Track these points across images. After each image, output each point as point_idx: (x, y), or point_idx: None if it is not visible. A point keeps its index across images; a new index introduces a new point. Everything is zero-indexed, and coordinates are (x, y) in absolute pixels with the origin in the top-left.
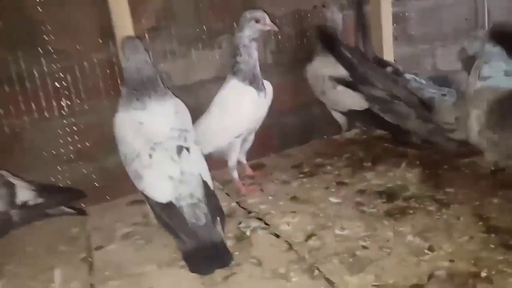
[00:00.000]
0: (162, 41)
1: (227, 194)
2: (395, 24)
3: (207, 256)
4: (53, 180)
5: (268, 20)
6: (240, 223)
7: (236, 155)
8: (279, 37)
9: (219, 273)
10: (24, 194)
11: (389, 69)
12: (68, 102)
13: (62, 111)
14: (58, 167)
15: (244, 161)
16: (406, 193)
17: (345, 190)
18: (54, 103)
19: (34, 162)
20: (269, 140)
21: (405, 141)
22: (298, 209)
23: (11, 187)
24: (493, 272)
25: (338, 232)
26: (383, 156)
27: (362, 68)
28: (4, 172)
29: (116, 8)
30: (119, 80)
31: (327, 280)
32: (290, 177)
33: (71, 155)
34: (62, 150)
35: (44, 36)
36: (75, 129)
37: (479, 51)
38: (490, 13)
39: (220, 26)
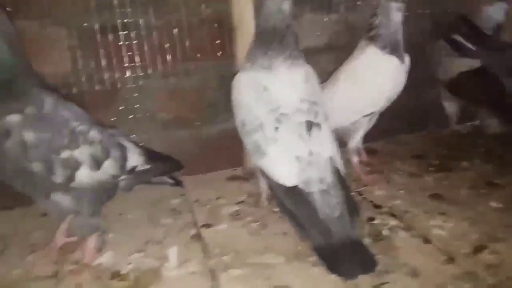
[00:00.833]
0: None
1: None
2: None
3: (345, 256)
4: (146, 144)
5: None
6: (372, 219)
7: (361, 137)
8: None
9: (364, 280)
10: (134, 159)
11: None
12: (171, 60)
13: (164, 70)
14: (153, 130)
15: (360, 144)
16: None
17: (502, 193)
18: (158, 60)
19: (129, 122)
20: (378, 123)
21: None
22: (447, 211)
23: (123, 150)
24: None
25: None
26: None
27: None
28: (115, 132)
29: None
30: (226, 41)
31: None
32: (418, 170)
33: (168, 119)
34: (159, 113)
35: None
36: (175, 91)
37: None
38: None
39: None
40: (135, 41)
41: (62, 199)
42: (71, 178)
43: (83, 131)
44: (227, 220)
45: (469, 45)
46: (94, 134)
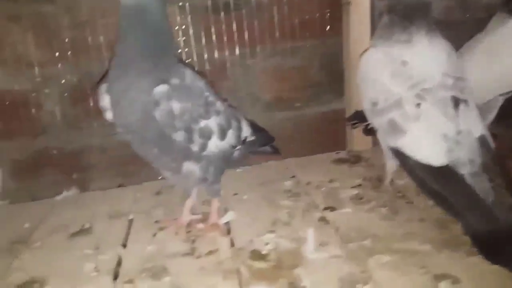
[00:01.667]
0: None
1: None
2: None
3: (508, 244)
4: None
5: None
6: None
7: (493, 117)
8: None
9: None
10: (246, 129)
11: None
12: (279, 38)
13: (271, 49)
14: (256, 111)
15: None
16: None
17: None
18: (266, 39)
19: (232, 102)
20: None
21: None
22: None
23: (239, 120)
24: None
25: None
26: None
27: None
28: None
29: None
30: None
31: None
32: None
33: (270, 100)
34: (262, 93)
35: None
36: (279, 71)
37: None
38: None
39: None
40: (246, 20)
41: (193, 168)
42: (204, 147)
43: (212, 102)
44: (350, 204)
45: None
46: (219, 105)
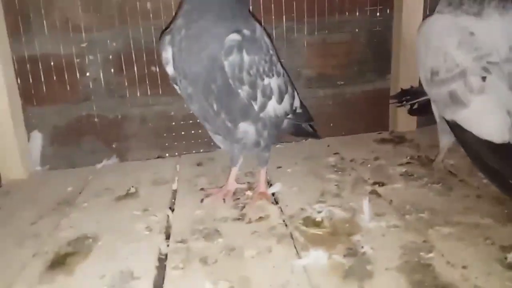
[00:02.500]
0: None
1: None
2: None
3: None
4: None
5: None
6: None
7: None
8: None
9: None
10: (297, 99)
11: None
12: (327, 11)
13: (318, 23)
14: (297, 87)
15: None
16: None
17: None
18: (308, 11)
19: None
20: None
21: None
22: None
23: (293, 87)
24: None
25: None
26: None
27: None
28: None
29: None
30: None
31: None
32: None
33: (312, 76)
34: (304, 69)
35: None
36: (323, 46)
37: None
38: None
39: None
40: None
41: (249, 129)
42: (263, 107)
43: (275, 62)
44: (401, 180)
45: None
46: (279, 66)
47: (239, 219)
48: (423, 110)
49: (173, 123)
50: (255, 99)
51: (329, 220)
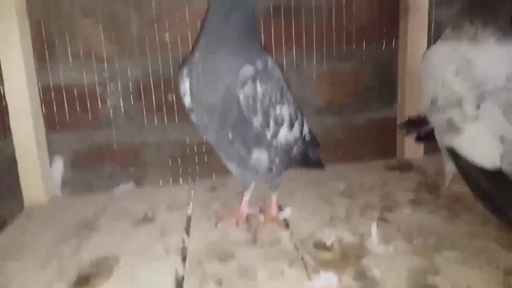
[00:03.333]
0: None
1: None
2: None
3: None
4: None
5: None
6: None
7: None
8: None
9: None
10: (306, 126)
11: None
12: (335, 42)
13: (327, 52)
14: (307, 114)
15: None
16: None
17: None
18: (323, 42)
19: None
20: None
21: None
22: None
23: (302, 115)
24: None
25: None
26: None
27: None
28: None
29: None
30: (390, 24)
31: None
32: None
33: (322, 104)
34: (314, 97)
35: None
36: (332, 75)
37: None
38: None
39: None
40: (304, 23)
41: (262, 156)
42: (275, 134)
43: (285, 90)
44: (409, 206)
45: None
46: (289, 95)
47: (252, 242)
48: (429, 138)
49: (188, 150)
50: (268, 127)
51: (338, 244)
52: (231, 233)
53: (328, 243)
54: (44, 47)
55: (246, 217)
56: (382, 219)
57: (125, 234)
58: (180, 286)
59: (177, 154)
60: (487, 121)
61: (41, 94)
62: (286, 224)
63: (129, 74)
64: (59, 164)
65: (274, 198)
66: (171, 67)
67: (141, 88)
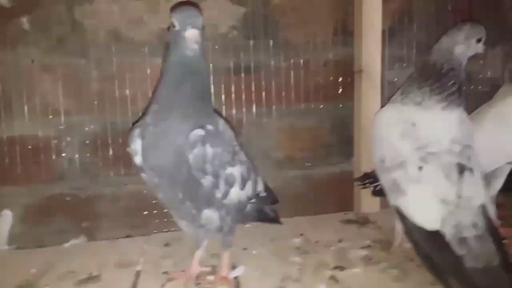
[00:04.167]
0: (395, 45)
1: None
2: None
3: None
4: None
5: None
6: None
7: (499, 187)
8: None
9: None
10: (260, 184)
11: None
12: (294, 99)
13: (286, 109)
14: (267, 168)
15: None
16: None
17: None
18: (282, 100)
19: None
20: None
21: None
22: None
23: (256, 173)
24: None
25: None
26: None
27: None
28: None
29: (367, 3)
30: (346, 83)
31: None
32: None
33: (281, 158)
34: (274, 151)
35: (280, 25)
36: (291, 130)
37: None
38: None
39: None
40: (264, 81)
41: (213, 216)
42: (226, 194)
43: (238, 151)
44: (360, 264)
45: None
46: (242, 155)
47: None
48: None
49: (145, 202)
50: (217, 187)
51: None
52: None
53: None
54: (0, 105)
55: (196, 276)
56: (333, 279)
57: None
58: None
59: (133, 207)
60: (428, 183)
61: None
62: (237, 284)
63: (86, 128)
64: (7, 218)
65: (225, 256)
66: (131, 120)
67: (98, 141)
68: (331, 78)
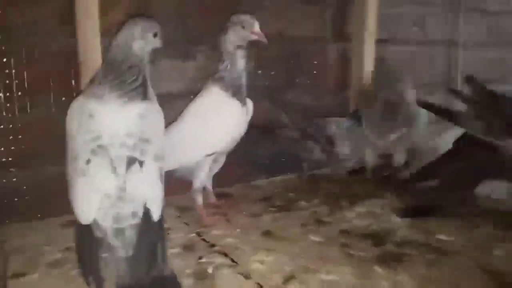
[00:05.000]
0: None
1: (185, 223)
2: None
3: None
4: None
5: (257, 29)
6: (200, 258)
7: (204, 177)
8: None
9: None
10: None
11: None
12: (7, 93)
13: (5, 103)
14: None
15: (210, 187)
16: (395, 238)
17: (326, 229)
18: None
19: None
20: (234, 168)
21: None
22: (273, 247)
23: None
24: None
25: (324, 277)
26: (361, 196)
27: None
28: None
29: None
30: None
31: None
32: (261, 210)
33: (2, 158)
34: None
35: None
36: (12, 126)
37: None
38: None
39: (199, 35)
40: None
41: None
42: None
43: None
44: (43, 268)
45: None
46: None
47: None
48: None
49: None
50: None
51: None
52: None
53: None
54: None
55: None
56: None
57: None
58: None
59: None
60: (93, 176)
61: None
62: None
63: None
64: None
65: None
66: None
67: None
68: (58, 70)
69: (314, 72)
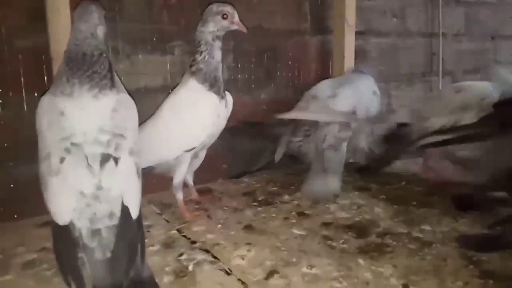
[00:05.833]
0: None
1: (166, 220)
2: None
3: None
4: None
5: (237, 18)
6: (181, 255)
7: (184, 173)
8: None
9: None
10: None
11: None
12: None
13: None
14: None
15: (191, 182)
16: (377, 229)
17: (308, 221)
18: None
19: None
20: (217, 163)
21: None
22: (254, 241)
23: None
24: None
25: (305, 270)
26: (344, 188)
27: None
28: None
29: None
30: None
31: None
32: (243, 205)
33: None
34: None
35: None
36: None
37: None
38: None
39: (175, 30)
40: None
41: None
42: None
43: None
44: (17, 270)
45: None
46: None
47: None
48: None
49: None
50: None
51: None
52: None
53: None
54: None
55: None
56: None
57: None
58: None
59: None
60: (68, 175)
61: None
62: None
63: None
64: None
65: None
66: None
67: None
68: (29, 68)
69: (295, 64)
